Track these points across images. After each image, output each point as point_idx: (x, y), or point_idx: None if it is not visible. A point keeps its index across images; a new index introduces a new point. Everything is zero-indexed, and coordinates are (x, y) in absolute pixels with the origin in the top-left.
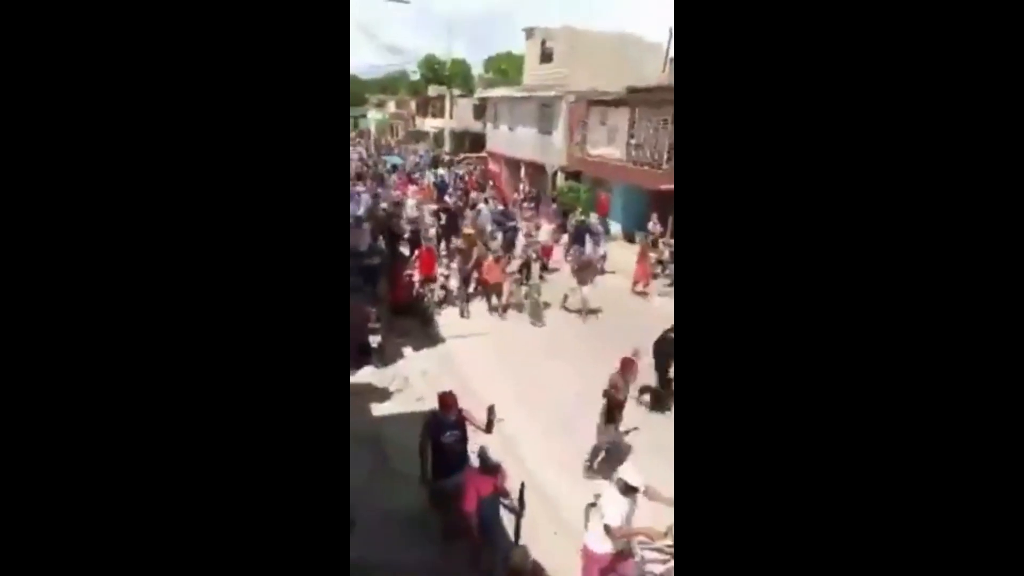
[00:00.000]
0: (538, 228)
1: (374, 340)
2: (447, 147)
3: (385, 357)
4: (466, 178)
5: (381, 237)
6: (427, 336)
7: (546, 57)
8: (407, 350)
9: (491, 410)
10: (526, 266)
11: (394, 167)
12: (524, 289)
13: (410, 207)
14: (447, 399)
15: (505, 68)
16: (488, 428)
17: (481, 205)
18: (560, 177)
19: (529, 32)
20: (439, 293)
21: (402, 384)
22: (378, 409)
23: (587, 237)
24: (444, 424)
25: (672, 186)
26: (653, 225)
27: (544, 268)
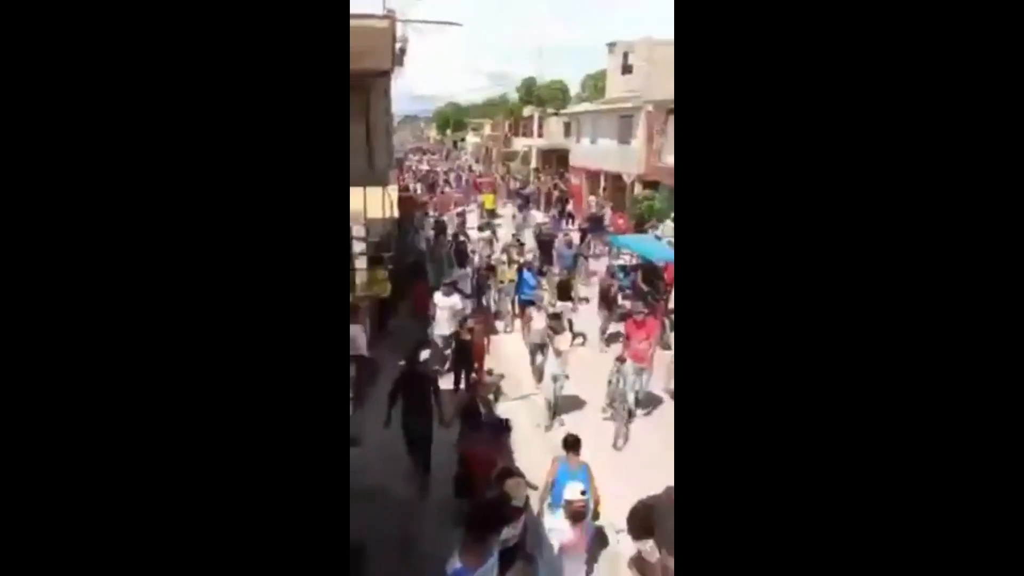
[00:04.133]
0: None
1: None
2: (533, 164)
3: None
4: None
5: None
6: None
7: (627, 69)
8: None
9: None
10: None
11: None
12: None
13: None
14: None
15: (601, 85)
16: None
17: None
18: (638, 186)
19: (611, 47)
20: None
21: None
22: None
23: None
24: None
25: None
26: None
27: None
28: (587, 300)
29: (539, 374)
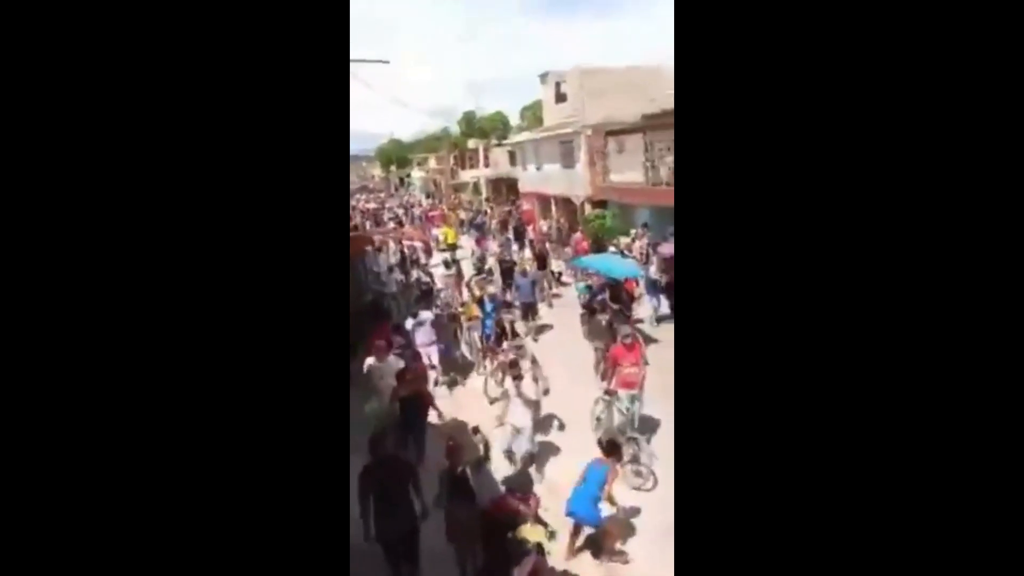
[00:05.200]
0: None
1: None
2: (484, 194)
3: None
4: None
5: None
6: None
7: (561, 98)
8: None
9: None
10: None
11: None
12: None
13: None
14: None
15: (539, 114)
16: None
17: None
18: (587, 207)
19: (543, 77)
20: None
21: None
22: None
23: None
24: None
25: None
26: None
27: None
28: (551, 327)
29: (512, 430)
